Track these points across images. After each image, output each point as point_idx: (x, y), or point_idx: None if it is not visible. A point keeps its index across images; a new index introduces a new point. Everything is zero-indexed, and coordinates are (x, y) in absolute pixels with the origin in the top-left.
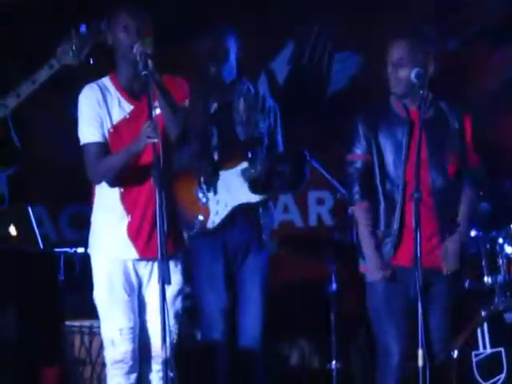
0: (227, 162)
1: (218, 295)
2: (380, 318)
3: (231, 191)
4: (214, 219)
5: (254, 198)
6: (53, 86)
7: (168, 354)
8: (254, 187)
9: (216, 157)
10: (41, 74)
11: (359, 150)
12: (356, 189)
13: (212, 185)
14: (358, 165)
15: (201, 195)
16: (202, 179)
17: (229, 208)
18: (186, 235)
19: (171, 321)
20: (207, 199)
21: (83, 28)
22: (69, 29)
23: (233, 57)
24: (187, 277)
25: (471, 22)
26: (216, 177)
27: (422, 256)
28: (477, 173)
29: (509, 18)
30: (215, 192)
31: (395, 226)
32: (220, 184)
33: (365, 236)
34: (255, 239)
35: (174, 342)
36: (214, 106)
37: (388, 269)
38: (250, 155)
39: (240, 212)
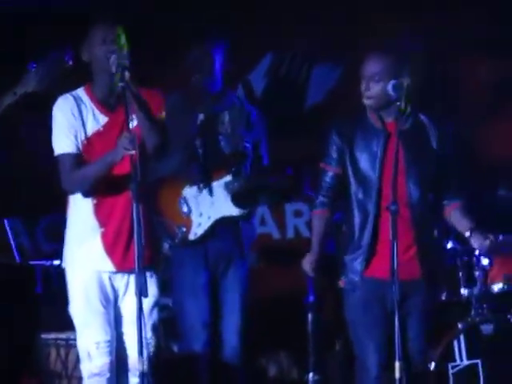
0: (211, 175)
1: (200, 307)
2: (357, 330)
3: (214, 204)
4: (196, 231)
5: (237, 212)
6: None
7: (145, 366)
8: (237, 200)
9: (201, 168)
10: (5, 100)
11: (332, 162)
12: (320, 197)
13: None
14: (328, 177)
15: (183, 206)
16: (184, 190)
17: (212, 220)
18: (167, 246)
19: (148, 333)
20: (190, 210)
21: (51, 56)
22: (35, 57)
23: (218, 68)
24: (167, 288)
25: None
26: (205, 184)
27: (399, 268)
28: (456, 186)
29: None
30: (210, 192)
31: (367, 238)
32: (204, 196)
33: (314, 236)
34: (237, 251)
35: (152, 354)
36: (200, 117)
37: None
38: (234, 169)
39: (222, 224)
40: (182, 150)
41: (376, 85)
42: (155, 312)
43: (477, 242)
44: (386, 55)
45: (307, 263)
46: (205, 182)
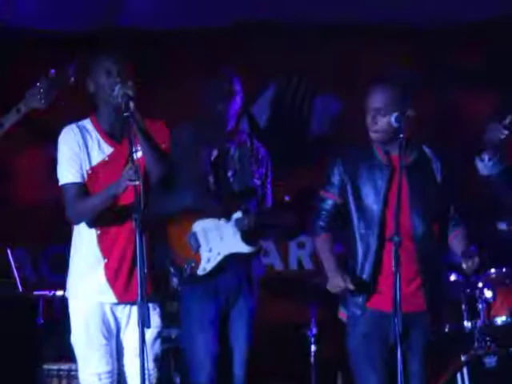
0: (221, 211)
1: (209, 340)
2: (359, 364)
3: (224, 240)
4: (206, 266)
5: (247, 249)
6: (29, 129)
7: None
8: (246, 237)
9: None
10: (8, 118)
11: (332, 190)
12: (320, 222)
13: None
14: (328, 205)
15: (193, 241)
16: (194, 226)
17: (221, 256)
18: (176, 281)
19: (150, 364)
20: (199, 246)
21: (52, 72)
22: (38, 73)
23: (239, 99)
24: (174, 320)
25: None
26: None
27: (402, 300)
28: (458, 215)
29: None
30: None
31: (368, 271)
32: (213, 231)
33: (325, 258)
34: (246, 285)
35: None
36: (214, 153)
37: (348, 281)
38: (243, 206)
39: (232, 259)
40: (195, 185)
41: (383, 118)
42: (158, 344)
43: (464, 264)
44: (392, 87)
45: (337, 282)
46: (222, 216)
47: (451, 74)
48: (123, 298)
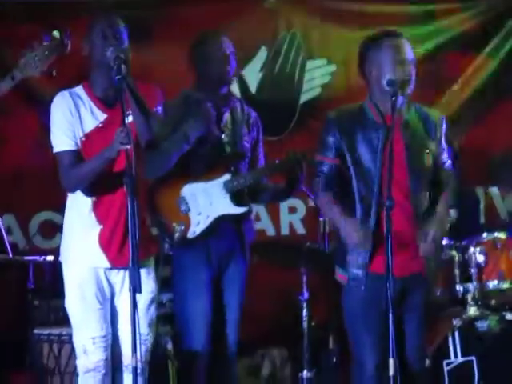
0: (210, 173)
1: (203, 304)
2: (356, 329)
3: (213, 202)
4: (195, 229)
5: (236, 210)
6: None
7: (139, 362)
8: (235, 199)
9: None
10: (3, 86)
11: (329, 153)
12: (320, 185)
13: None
14: (326, 168)
15: (182, 205)
16: (183, 189)
17: (211, 219)
18: (167, 246)
19: (145, 329)
20: (188, 209)
21: (46, 39)
22: (32, 40)
23: (233, 63)
24: (167, 285)
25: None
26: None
27: (400, 263)
28: (451, 176)
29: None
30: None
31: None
32: (202, 195)
33: (333, 213)
34: (238, 248)
35: (148, 350)
36: (214, 115)
37: (367, 237)
38: (232, 168)
39: (223, 221)
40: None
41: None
42: (153, 309)
43: (418, 241)
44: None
45: (353, 232)
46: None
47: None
48: (116, 263)
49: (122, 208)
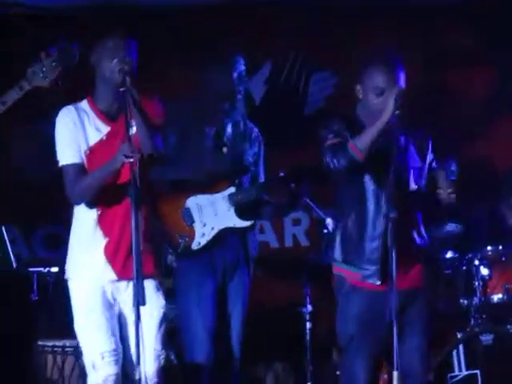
0: (214, 186)
1: (206, 317)
2: (351, 346)
3: (218, 215)
4: (200, 241)
5: (240, 224)
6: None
7: (155, 378)
8: (240, 213)
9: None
10: (10, 95)
11: (338, 136)
12: (339, 144)
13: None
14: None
15: (186, 217)
16: (188, 201)
17: (215, 231)
18: (171, 257)
19: (159, 345)
20: (193, 220)
21: (54, 50)
22: (39, 51)
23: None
24: (171, 297)
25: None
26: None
27: (399, 277)
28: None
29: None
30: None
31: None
32: (207, 206)
33: (365, 132)
34: (242, 260)
35: (161, 365)
36: (212, 130)
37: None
38: (237, 181)
39: (228, 233)
40: (191, 161)
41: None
42: (164, 324)
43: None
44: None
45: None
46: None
47: (448, 51)
48: (122, 275)
49: (126, 220)
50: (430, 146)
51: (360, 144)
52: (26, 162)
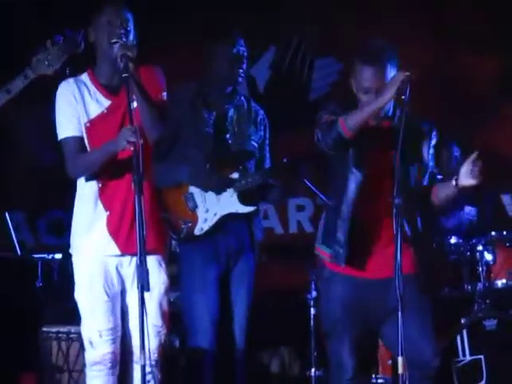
0: (218, 171)
1: (209, 302)
2: (336, 330)
3: (221, 200)
4: (203, 226)
5: (244, 209)
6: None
7: (148, 359)
8: (243, 198)
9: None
10: (16, 84)
11: (335, 115)
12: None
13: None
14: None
15: (190, 202)
16: (191, 186)
17: (218, 216)
18: (174, 243)
19: (159, 321)
20: (196, 206)
21: (59, 38)
22: (45, 39)
23: (245, 63)
24: (174, 283)
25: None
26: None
27: (382, 265)
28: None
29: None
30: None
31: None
32: (210, 193)
33: (360, 110)
34: (247, 245)
35: (162, 343)
36: (214, 114)
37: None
38: (240, 167)
39: (232, 219)
40: (195, 147)
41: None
42: (165, 300)
43: (465, 176)
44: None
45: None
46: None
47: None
48: (126, 250)
49: (128, 194)
50: (435, 132)
51: (350, 121)
52: (29, 148)
